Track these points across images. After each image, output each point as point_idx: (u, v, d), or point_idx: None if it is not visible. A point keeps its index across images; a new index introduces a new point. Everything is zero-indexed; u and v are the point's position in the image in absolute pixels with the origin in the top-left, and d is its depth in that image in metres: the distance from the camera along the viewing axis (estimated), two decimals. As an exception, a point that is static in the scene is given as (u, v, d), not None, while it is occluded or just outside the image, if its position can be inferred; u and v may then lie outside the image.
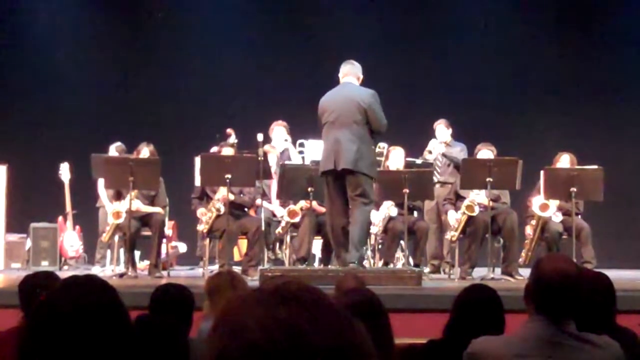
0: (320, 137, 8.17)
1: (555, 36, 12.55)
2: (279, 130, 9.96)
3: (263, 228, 8.98)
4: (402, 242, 9.19)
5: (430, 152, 9.79)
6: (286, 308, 1.11)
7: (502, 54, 12.32)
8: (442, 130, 9.93)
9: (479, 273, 8.85)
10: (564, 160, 9.20)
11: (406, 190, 8.61)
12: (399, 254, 9.52)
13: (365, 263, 9.17)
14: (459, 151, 9.80)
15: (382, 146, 9.47)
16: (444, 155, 9.82)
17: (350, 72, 7.96)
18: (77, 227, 10.45)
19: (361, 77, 7.99)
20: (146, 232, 9.05)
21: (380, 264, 9.27)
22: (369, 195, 7.87)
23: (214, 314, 3.99)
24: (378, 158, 9.13)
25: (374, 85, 7.99)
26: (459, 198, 9.18)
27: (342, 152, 7.66)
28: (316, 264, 9.40)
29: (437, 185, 9.71)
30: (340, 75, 8.01)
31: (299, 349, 1.08)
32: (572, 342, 2.90)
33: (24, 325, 3.41)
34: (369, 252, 9.56)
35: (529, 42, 12.40)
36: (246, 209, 9.36)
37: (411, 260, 9.31)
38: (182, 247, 10.80)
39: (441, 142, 9.87)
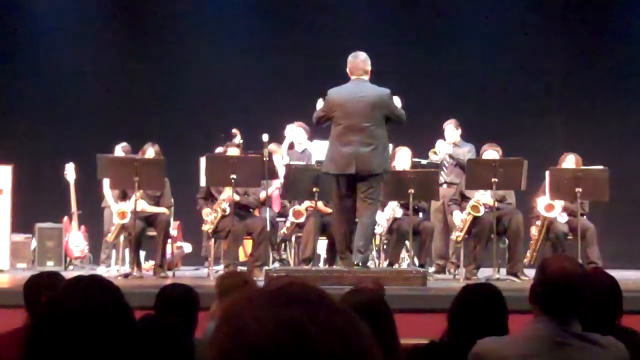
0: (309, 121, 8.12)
1: (562, 36, 12.53)
2: (298, 131, 9.96)
3: (268, 228, 8.98)
4: (407, 242, 9.20)
5: (435, 153, 9.76)
6: (290, 309, 1.11)
7: (508, 54, 12.31)
8: (451, 130, 9.91)
9: (484, 273, 8.84)
10: (569, 161, 9.19)
11: (411, 191, 8.61)
12: (404, 254, 9.52)
13: (370, 263, 9.18)
14: (467, 152, 9.77)
15: None
16: (450, 156, 9.81)
17: (360, 68, 7.88)
18: (83, 227, 10.46)
19: (369, 69, 7.92)
20: (151, 233, 9.06)
21: (385, 264, 9.27)
22: (379, 195, 8.04)
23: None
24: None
25: (379, 85, 7.98)
26: (464, 198, 9.18)
27: (367, 159, 7.67)
28: (321, 264, 9.40)
29: (444, 186, 9.70)
30: (348, 69, 7.93)
31: (303, 350, 1.08)
32: (578, 343, 2.90)
33: (29, 325, 3.41)
34: (374, 253, 9.56)
35: (535, 43, 12.38)
36: (251, 210, 9.36)
37: (416, 261, 9.31)
38: (187, 248, 10.80)
39: (449, 143, 9.86)
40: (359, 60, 7.92)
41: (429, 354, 3.59)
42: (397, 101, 8.03)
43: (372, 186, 7.82)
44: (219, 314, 1.13)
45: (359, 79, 7.87)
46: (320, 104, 8.09)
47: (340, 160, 7.74)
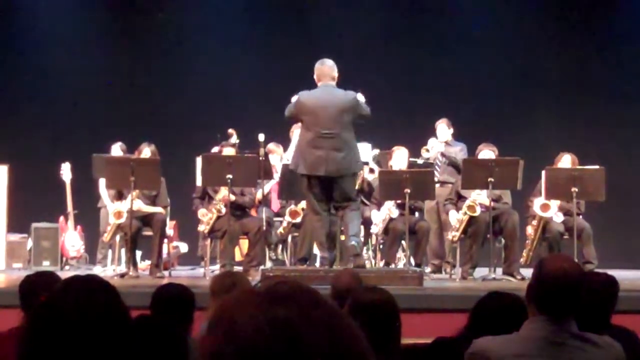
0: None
1: (557, 36, 12.54)
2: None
3: (264, 228, 8.98)
4: (403, 242, 9.20)
5: (427, 151, 9.78)
6: (280, 308, 1.10)
7: (504, 54, 12.30)
8: (443, 129, 9.92)
9: (480, 273, 8.85)
10: (565, 161, 9.19)
11: (407, 190, 8.61)
12: (400, 254, 9.52)
13: (367, 263, 9.20)
14: (459, 150, 9.79)
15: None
16: (442, 154, 9.82)
17: (326, 75, 8.00)
18: (79, 227, 10.45)
19: (336, 76, 8.04)
20: (147, 232, 9.05)
21: (381, 264, 9.27)
22: (356, 197, 8.23)
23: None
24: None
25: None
26: (461, 198, 9.17)
27: (338, 163, 7.79)
28: (317, 264, 9.39)
29: (437, 185, 9.70)
30: (315, 76, 8.05)
31: (294, 348, 1.08)
32: (574, 342, 2.90)
33: (24, 325, 3.40)
34: (370, 252, 9.56)
35: (531, 42, 12.38)
36: (247, 209, 9.35)
37: (412, 260, 9.31)
38: (183, 247, 10.79)
39: (441, 142, 9.87)
40: (326, 67, 8.03)
41: (435, 350, 3.59)
42: (360, 97, 8.08)
43: (350, 189, 8.00)
44: (211, 314, 1.12)
45: (326, 85, 7.98)
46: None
47: (311, 161, 7.84)
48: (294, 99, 8.09)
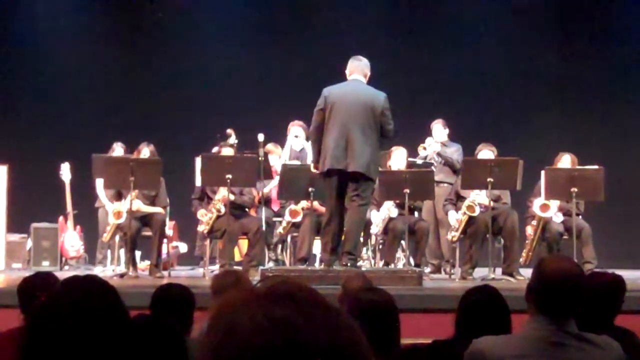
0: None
1: (556, 36, 12.55)
2: (295, 130, 9.88)
3: (264, 228, 8.98)
4: (402, 242, 9.19)
5: (424, 149, 9.79)
6: (280, 307, 1.10)
7: (503, 54, 12.31)
8: (439, 129, 9.93)
9: (480, 273, 8.84)
10: (565, 161, 9.20)
11: (407, 190, 8.61)
12: (399, 254, 9.51)
13: (366, 263, 9.19)
14: (455, 151, 9.81)
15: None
16: (438, 154, 9.82)
17: (358, 69, 7.85)
18: (78, 227, 10.44)
19: (368, 74, 7.89)
20: (147, 232, 9.05)
21: (380, 264, 9.27)
22: (368, 198, 7.99)
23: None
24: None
25: (375, 85, 7.98)
26: (460, 198, 9.18)
27: (356, 154, 7.60)
28: (317, 264, 9.39)
29: (432, 184, 9.69)
30: (347, 71, 7.91)
31: (294, 347, 1.08)
32: (574, 342, 2.90)
33: (24, 325, 3.40)
34: (370, 253, 9.56)
35: (530, 42, 12.39)
36: (247, 209, 9.36)
37: (412, 261, 9.31)
38: (183, 247, 10.79)
39: (437, 142, 9.87)
40: (362, 63, 7.89)
41: (433, 352, 3.60)
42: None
43: (365, 189, 7.77)
44: (211, 313, 1.13)
45: (356, 80, 7.84)
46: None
47: (333, 156, 7.64)
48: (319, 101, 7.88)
